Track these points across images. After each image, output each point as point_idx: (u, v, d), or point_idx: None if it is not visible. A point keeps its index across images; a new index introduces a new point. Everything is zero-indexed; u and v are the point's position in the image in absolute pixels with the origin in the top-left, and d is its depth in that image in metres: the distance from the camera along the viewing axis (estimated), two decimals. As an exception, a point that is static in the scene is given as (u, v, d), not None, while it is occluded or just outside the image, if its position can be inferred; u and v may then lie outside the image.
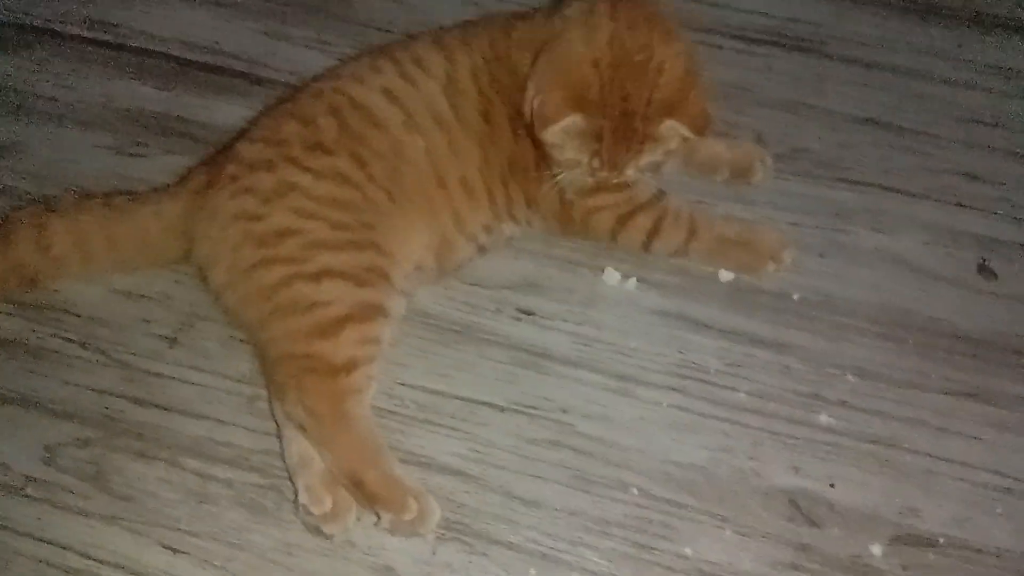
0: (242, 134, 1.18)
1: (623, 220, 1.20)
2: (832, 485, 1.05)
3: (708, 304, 1.20)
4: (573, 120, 1.06)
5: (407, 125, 1.13)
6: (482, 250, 1.22)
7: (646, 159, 1.11)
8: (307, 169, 1.08)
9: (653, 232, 1.20)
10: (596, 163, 1.10)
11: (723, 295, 1.21)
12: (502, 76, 1.15)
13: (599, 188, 1.16)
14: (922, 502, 1.04)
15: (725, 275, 1.22)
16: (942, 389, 1.13)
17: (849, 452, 1.07)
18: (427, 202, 1.14)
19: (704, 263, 1.22)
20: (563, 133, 1.07)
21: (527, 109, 1.09)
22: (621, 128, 1.07)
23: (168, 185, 1.18)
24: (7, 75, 1.47)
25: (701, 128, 1.09)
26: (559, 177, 1.14)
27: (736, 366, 1.15)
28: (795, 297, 1.21)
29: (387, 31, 1.51)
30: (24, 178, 1.33)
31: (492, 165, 1.16)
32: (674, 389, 1.13)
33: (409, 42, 1.21)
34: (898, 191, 1.32)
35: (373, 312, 1.06)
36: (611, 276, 1.22)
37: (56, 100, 1.44)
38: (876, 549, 1.00)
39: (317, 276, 1.04)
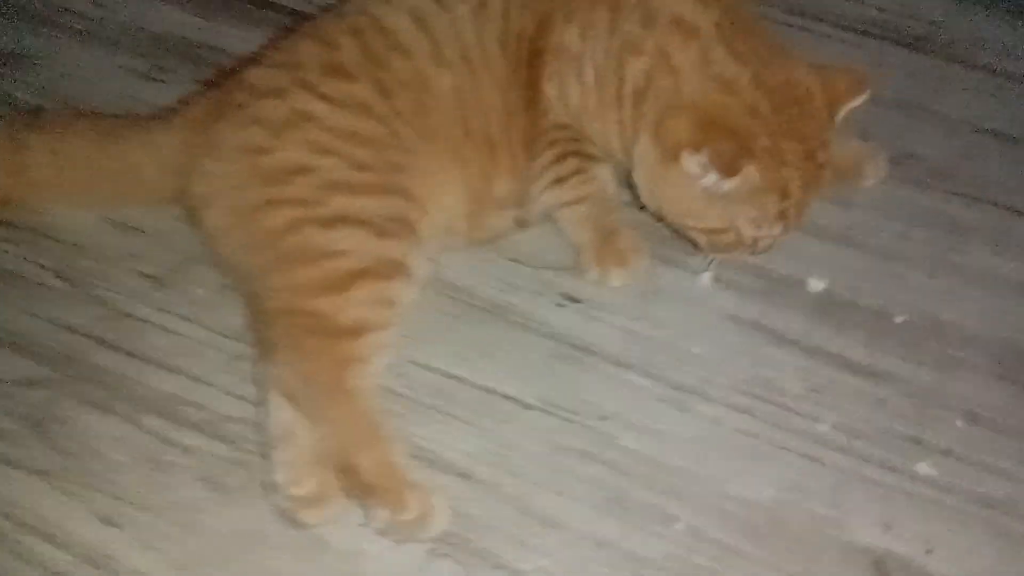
0: (256, 58, 1.03)
1: None
2: (929, 551, 0.84)
3: (792, 314, 1.01)
4: (745, 174, 0.89)
5: (434, 57, 0.97)
6: (522, 223, 1.05)
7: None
8: (324, 96, 0.93)
9: None
10: (779, 228, 0.94)
11: (811, 306, 1.02)
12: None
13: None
14: (1042, 584, 0.83)
15: (815, 284, 1.03)
16: (1071, 448, 0.92)
17: (953, 513, 0.87)
18: (456, 149, 0.99)
19: None
20: (718, 199, 0.91)
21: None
22: (811, 174, 0.93)
23: (166, 111, 1.04)
24: (35, -15, 1.36)
25: (864, 87, 0.98)
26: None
27: (820, 392, 0.95)
28: (897, 319, 1.01)
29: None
30: (31, 90, 1.21)
31: (514, 119, 1.00)
32: (742, 410, 0.93)
33: None
34: (1021, 213, 1.12)
35: (393, 269, 0.89)
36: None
37: (84, 16, 1.32)
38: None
39: (331, 222, 0.89)
